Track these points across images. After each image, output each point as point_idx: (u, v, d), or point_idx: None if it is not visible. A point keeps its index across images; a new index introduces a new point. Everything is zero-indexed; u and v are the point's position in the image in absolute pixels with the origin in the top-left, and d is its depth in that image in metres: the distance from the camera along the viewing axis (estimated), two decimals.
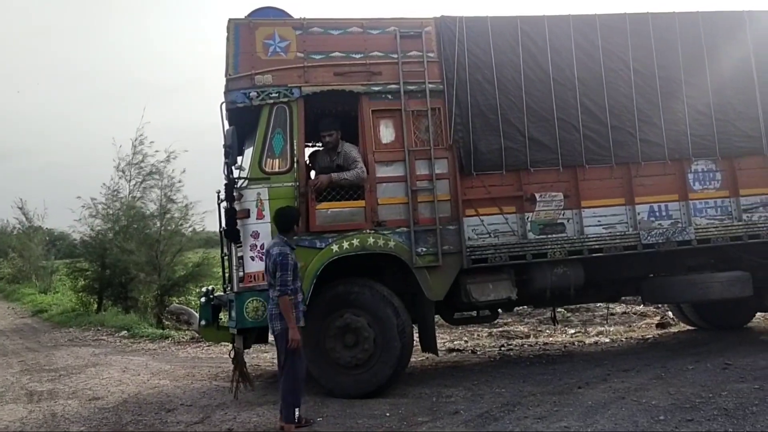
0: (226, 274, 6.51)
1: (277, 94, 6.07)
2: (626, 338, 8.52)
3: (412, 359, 6.87)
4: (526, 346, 8.46)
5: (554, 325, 8.55)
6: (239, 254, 6.01)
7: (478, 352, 8.11)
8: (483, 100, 6.39)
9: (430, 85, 6.31)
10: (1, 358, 9.82)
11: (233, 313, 6.01)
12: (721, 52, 6.83)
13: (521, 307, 9.75)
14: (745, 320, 8.37)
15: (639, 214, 6.62)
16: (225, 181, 5.91)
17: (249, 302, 5.90)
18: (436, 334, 6.73)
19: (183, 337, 10.73)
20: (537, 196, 6.48)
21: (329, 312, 6.06)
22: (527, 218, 6.45)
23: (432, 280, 6.19)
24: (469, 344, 8.78)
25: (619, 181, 6.64)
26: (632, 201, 6.62)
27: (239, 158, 6.63)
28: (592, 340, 8.57)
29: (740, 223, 6.76)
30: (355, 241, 6.07)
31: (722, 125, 6.77)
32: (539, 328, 9.77)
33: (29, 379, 8.07)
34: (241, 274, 5.96)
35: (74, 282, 15.88)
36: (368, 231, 6.11)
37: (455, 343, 8.93)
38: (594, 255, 6.52)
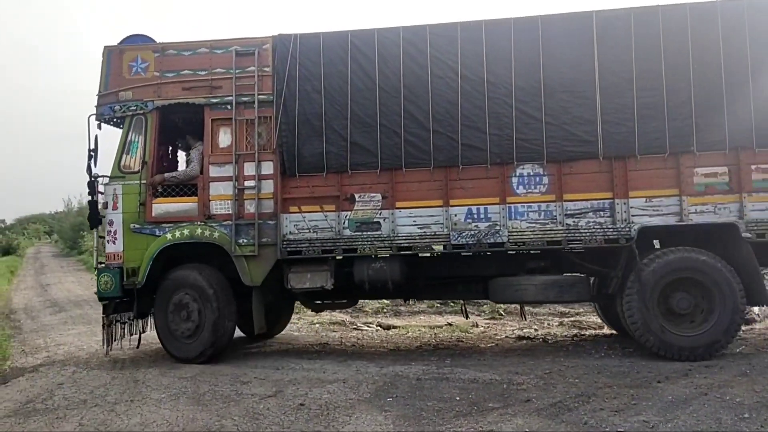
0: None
1: (135, 107, 7.62)
2: None
3: (481, 345, 7.95)
4: (600, 336, 8.53)
5: (466, 317, 9.01)
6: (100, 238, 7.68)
7: (550, 341, 8.31)
8: (310, 108, 7.33)
9: (261, 96, 7.41)
10: (86, 326, 11.20)
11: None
12: (561, 56, 7.02)
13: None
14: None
15: (455, 215, 7.09)
16: (88, 179, 7.60)
17: (102, 277, 7.52)
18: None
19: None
20: (356, 196, 7.27)
21: (172, 291, 7.47)
22: (345, 216, 7.27)
23: (250, 268, 7.31)
24: (539, 333, 8.99)
25: (438, 184, 7.14)
26: (448, 203, 7.11)
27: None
28: None
29: (562, 227, 6.93)
30: (186, 231, 7.41)
31: (553, 129, 6.96)
32: None
33: (112, 346, 8.53)
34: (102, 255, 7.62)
35: None
36: (199, 223, 7.41)
37: (525, 331, 9.15)
38: (407, 252, 7.15)
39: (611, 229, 6.83)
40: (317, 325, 10.45)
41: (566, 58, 7.00)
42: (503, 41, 7.10)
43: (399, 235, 7.17)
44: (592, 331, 8.98)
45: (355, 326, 10.30)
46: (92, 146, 7.52)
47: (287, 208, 7.37)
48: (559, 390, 5.77)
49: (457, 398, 5.65)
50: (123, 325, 7.83)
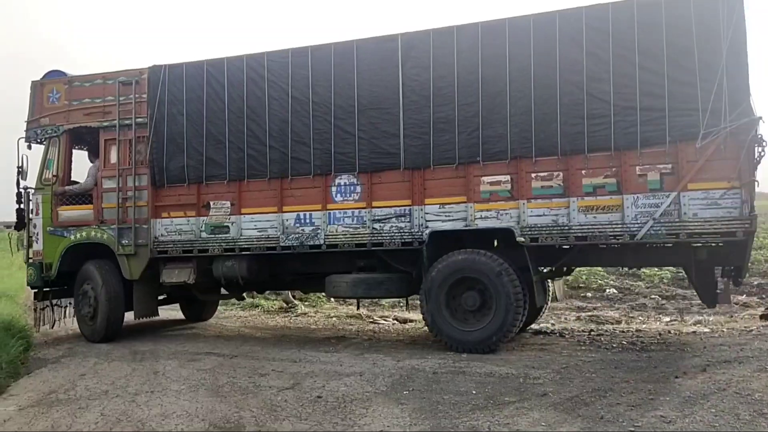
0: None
1: (51, 131, 9.41)
2: (727, 329, 8.48)
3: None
4: (617, 332, 8.63)
5: (287, 305, 10.20)
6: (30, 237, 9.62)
7: (566, 336, 8.41)
8: (175, 129, 8.71)
9: (139, 119, 8.90)
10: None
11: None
12: (371, 77, 7.83)
13: (612, 292, 11.54)
14: None
15: (287, 220, 8.23)
16: (16, 191, 9.51)
17: (29, 270, 9.50)
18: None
19: (272, 307, 12.26)
20: (211, 203, 8.62)
21: (80, 282, 9.27)
22: (203, 221, 8.64)
23: (130, 264, 8.93)
24: (556, 327, 9.10)
25: (274, 192, 8.29)
26: (281, 209, 8.25)
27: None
28: (690, 329, 8.67)
29: (368, 231, 7.85)
30: (84, 233, 9.18)
31: (364, 143, 7.86)
32: (631, 315, 10.07)
33: (132, 339, 9.33)
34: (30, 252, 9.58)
35: None
36: (94, 227, 9.11)
37: (542, 325, 9.20)
38: (248, 253, 8.41)
39: (408, 233, 7.69)
40: (334, 319, 10.87)
41: (375, 78, 7.84)
42: (325, 65, 8.06)
43: (243, 237, 8.45)
44: (610, 326, 9.11)
45: (371, 320, 10.58)
46: (21, 164, 9.42)
47: (159, 214, 8.87)
48: (576, 384, 5.88)
49: (474, 392, 5.77)
50: (53, 309, 9.77)
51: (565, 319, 9.90)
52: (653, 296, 11.22)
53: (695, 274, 7.22)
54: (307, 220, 8.18)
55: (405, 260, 7.94)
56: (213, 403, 5.81)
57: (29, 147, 9.64)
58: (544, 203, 7.19)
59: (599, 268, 12.82)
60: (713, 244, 6.94)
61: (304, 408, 5.53)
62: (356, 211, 7.96)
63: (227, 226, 8.55)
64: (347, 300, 10.92)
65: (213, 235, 8.60)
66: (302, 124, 8.16)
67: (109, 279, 9.02)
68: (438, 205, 7.60)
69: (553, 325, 9.35)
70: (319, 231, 8.10)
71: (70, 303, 9.71)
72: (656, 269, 12.58)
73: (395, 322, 10.37)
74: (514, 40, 7.31)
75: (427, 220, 7.63)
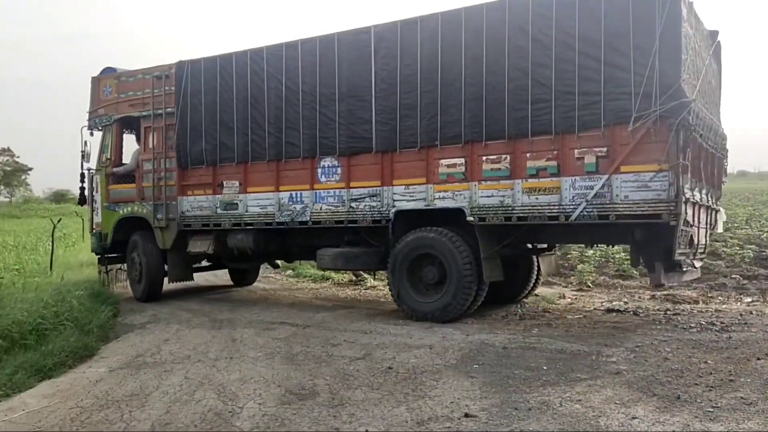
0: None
1: (106, 120, 11.07)
2: None
3: (568, 316, 8.24)
4: (695, 312, 8.46)
5: (356, 278, 11.05)
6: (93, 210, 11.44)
7: (641, 314, 8.32)
8: (195, 117, 9.98)
9: (169, 109, 10.28)
10: (192, 291, 12.19)
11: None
12: (350, 67, 8.55)
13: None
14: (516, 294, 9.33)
15: (282, 198, 9.25)
16: (80, 171, 11.33)
17: (92, 239, 11.35)
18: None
19: (342, 279, 12.67)
20: (224, 183, 9.83)
21: (130, 250, 10.96)
22: (218, 198, 9.89)
23: (163, 236, 10.44)
24: (629, 306, 9.00)
25: (272, 174, 9.33)
26: (278, 189, 9.26)
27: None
28: None
29: (345, 209, 8.66)
30: (129, 208, 10.80)
31: (343, 129, 8.63)
32: (710, 294, 9.85)
33: (211, 308, 9.96)
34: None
35: None
36: (137, 203, 10.68)
37: (614, 303, 9.17)
38: (252, 227, 9.55)
39: (377, 212, 8.44)
40: None
41: (353, 68, 8.57)
42: (312, 56, 8.90)
43: (248, 213, 9.62)
44: (687, 306, 8.97)
45: None
46: (84, 149, 11.19)
47: (184, 192, 10.25)
48: (651, 363, 5.81)
49: (545, 368, 5.77)
50: (116, 273, 11.60)
51: (639, 297, 9.84)
52: (734, 276, 10.92)
53: (636, 254, 7.38)
54: (298, 199, 9.16)
55: (380, 237, 8.70)
56: (288, 370, 6.05)
57: (91, 134, 11.40)
58: (493, 185, 7.63)
59: None
60: (647, 226, 7.05)
61: (375, 378, 5.66)
62: (337, 191, 8.82)
63: (236, 203, 9.75)
64: None
65: (225, 211, 9.84)
66: (294, 112, 9.09)
67: (149, 248, 10.59)
68: (404, 186, 8.27)
69: (625, 303, 9.25)
70: (306, 209, 9.06)
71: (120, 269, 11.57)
72: (738, 248, 12.45)
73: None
74: (469, 28, 7.72)
75: (394, 200, 8.33)
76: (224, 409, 5.01)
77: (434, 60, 7.94)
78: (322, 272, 12.72)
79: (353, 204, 8.67)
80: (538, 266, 9.29)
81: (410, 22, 8.17)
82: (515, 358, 6.16)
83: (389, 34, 8.30)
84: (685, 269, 7.26)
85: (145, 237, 10.72)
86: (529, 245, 8.98)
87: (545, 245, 9.11)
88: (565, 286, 11.09)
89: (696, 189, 7.29)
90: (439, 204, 8.03)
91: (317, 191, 8.99)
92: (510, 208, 7.50)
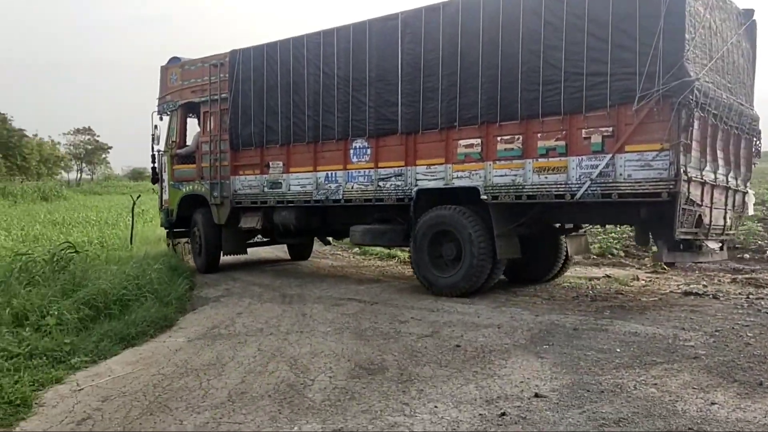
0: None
1: (171, 106, 12.09)
2: None
3: (643, 298, 8.08)
4: None
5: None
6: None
7: (720, 298, 8.08)
8: (245, 102, 10.76)
9: (223, 95, 11.10)
10: (258, 265, 12.82)
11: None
12: (379, 52, 8.98)
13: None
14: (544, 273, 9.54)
15: (320, 178, 9.85)
16: (151, 152, 12.41)
17: (161, 214, 12.45)
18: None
19: (408, 258, 11.37)
20: (270, 163, 10.56)
21: (192, 226, 11.99)
22: (265, 178, 10.63)
23: (218, 213, 11.35)
24: (708, 289, 8.77)
25: (311, 155, 9.96)
26: (315, 169, 9.86)
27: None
28: None
29: (373, 188, 9.12)
30: (190, 187, 11.79)
31: (372, 111, 9.10)
32: None
33: (281, 283, 10.26)
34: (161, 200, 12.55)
35: None
36: (197, 182, 11.63)
37: (691, 286, 8.98)
38: (293, 205, 10.22)
39: (401, 191, 8.87)
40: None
41: (382, 53, 9.01)
42: (346, 43, 9.42)
43: (290, 191, 10.31)
44: None
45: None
46: (154, 132, 12.29)
47: (236, 172, 11.09)
48: (732, 348, 5.64)
49: (618, 350, 5.66)
50: (184, 246, 12.70)
51: (719, 281, 9.56)
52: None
53: (642, 233, 7.41)
54: (333, 178, 9.74)
55: (405, 215, 9.13)
56: (357, 345, 6.12)
57: (161, 118, 12.47)
58: (506, 164, 7.89)
59: (759, 228, 12.71)
60: (652, 205, 7.07)
61: (443, 355, 5.69)
62: (367, 170, 9.32)
63: (280, 183, 10.47)
64: None
65: (271, 190, 10.59)
66: (330, 96, 9.65)
67: (207, 223, 11.54)
68: (426, 166, 8.66)
69: (705, 286, 9.02)
70: (340, 188, 9.63)
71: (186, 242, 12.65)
72: None
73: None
74: (486, 13, 7.96)
75: (417, 180, 8.74)
76: (296, 381, 5.12)
77: (455, 44, 8.24)
78: (388, 250, 12.89)
79: (380, 183, 9.15)
80: (566, 246, 9.40)
81: (433, 8, 8.49)
82: (587, 339, 6.06)
83: (414, 20, 8.66)
84: (696, 249, 7.24)
85: (204, 213, 11.67)
86: (557, 225, 9.13)
87: (571, 225, 9.20)
88: (639, 268, 10.94)
89: (708, 169, 7.22)
90: (457, 183, 8.36)
91: (349, 171, 9.53)
92: (521, 187, 7.73)
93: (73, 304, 7.12)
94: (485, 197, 8.03)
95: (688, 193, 6.75)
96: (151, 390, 5.06)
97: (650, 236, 7.49)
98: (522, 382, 4.91)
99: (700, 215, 7.08)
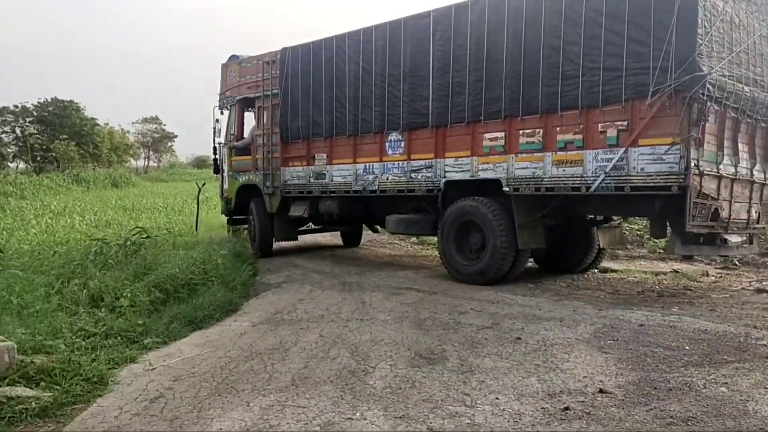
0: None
1: (231, 101, 12.89)
2: None
3: (713, 295, 7.90)
4: None
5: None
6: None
7: None
8: (294, 97, 11.36)
9: (275, 91, 11.75)
10: (315, 251, 13.37)
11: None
12: (413, 49, 9.31)
13: None
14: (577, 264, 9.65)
15: (359, 170, 10.31)
16: (212, 144, 13.27)
17: (221, 202, 13.33)
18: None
19: None
20: (316, 156, 11.13)
21: (248, 213, 12.77)
22: (311, 169, 11.20)
23: (270, 201, 12.05)
24: None
25: (350, 148, 10.44)
26: (355, 161, 10.32)
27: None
28: None
29: (405, 179, 9.48)
30: (246, 177, 12.55)
31: (407, 106, 9.45)
32: None
33: (340, 271, 10.43)
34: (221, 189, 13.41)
35: None
36: (252, 172, 12.37)
37: (764, 283, 8.78)
38: (335, 195, 10.73)
39: (431, 182, 9.20)
40: (528, 264, 10.13)
41: (415, 50, 9.35)
42: (383, 40, 9.81)
43: (332, 182, 10.84)
44: None
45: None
46: (215, 126, 13.15)
47: (286, 163, 11.74)
48: None
49: (686, 347, 5.52)
50: (243, 232, 13.53)
51: None
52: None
53: (657, 225, 7.42)
54: (370, 170, 10.19)
55: (434, 204, 9.46)
56: (417, 334, 6.13)
57: (222, 113, 13.31)
58: (527, 157, 8.08)
59: None
60: (666, 198, 7.07)
61: (504, 347, 5.62)
62: (401, 162, 9.72)
63: (324, 174, 11.03)
64: None
65: (316, 181, 11.17)
66: (368, 91, 10.09)
67: (261, 212, 12.28)
68: (453, 159, 8.96)
69: None
70: (376, 179, 10.07)
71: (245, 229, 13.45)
72: None
73: (595, 271, 9.93)
74: (511, 10, 8.15)
75: (445, 172, 9.06)
76: (357, 367, 5.16)
77: (481, 40, 8.48)
78: None
79: (412, 175, 9.52)
80: (598, 238, 9.45)
81: (462, 6, 8.75)
82: (653, 335, 5.92)
83: (444, 18, 8.95)
84: (720, 243, 7.22)
85: (258, 202, 12.41)
86: (589, 217, 9.22)
87: (601, 217, 9.25)
88: (708, 264, 10.75)
89: (727, 162, 7.15)
90: (482, 175, 8.61)
91: (385, 163, 9.95)
92: (540, 180, 7.91)
93: (144, 287, 7.47)
94: (507, 189, 8.25)
95: (701, 186, 6.75)
96: (218, 372, 5.20)
97: (666, 229, 7.50)
98: (585, 377, 4.83)
99: (716, 209, 7.04)
